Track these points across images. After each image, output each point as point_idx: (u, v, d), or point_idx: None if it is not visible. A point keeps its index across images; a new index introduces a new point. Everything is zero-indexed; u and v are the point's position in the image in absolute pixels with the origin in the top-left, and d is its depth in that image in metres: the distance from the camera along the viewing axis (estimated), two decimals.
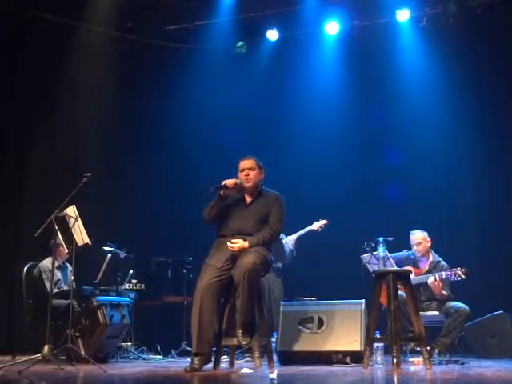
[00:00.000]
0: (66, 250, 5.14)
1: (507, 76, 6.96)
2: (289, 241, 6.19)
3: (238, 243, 4.41)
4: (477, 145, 7.08)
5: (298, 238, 6.21)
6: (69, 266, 5.84)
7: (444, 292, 5.42)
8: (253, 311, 4.39)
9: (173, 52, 7.89)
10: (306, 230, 6.26)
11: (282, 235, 6.15)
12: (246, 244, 4.42)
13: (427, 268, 5.60)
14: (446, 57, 7.19)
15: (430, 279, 5.36)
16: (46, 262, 5.68)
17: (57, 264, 5.78)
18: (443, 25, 7.14)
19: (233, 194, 4.62)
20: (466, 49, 7.10)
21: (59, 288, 5.68)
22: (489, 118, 7.08)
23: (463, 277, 5.25)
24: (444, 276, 5.34)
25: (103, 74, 7.43)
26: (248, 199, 4.66)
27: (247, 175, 4.60)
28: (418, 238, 5.64)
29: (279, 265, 6.12)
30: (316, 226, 6.24)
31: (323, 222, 6.25)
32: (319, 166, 7.34)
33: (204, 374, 4.16)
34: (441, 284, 5.35)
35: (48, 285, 5.34)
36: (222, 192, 4.54)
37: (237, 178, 4.63)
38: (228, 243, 4.43)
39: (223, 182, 4.54)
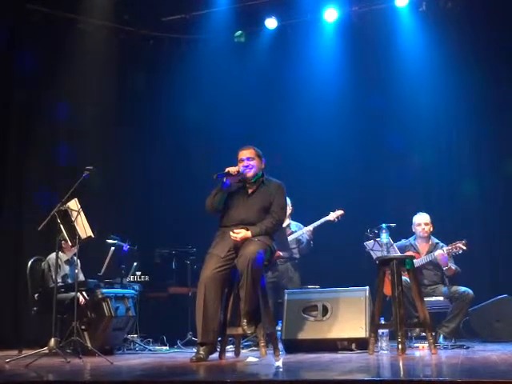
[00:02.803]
0: (70, 244, 5.15)
1: (508, 60, 6.92)
2: (305, 231, 6.18)
3: (240, 233, 4.41)
4: (478, 129, 7.05)
5: (315, 229, 6.21)
6: (78, 261, 5.85)
7: (451, 266, 5.46)
8: (257, 300, 4.40)
9: (170, 43, 7.85)
10: (323, 220, 6.24)
11: (300, 225, 6.18)
12: (248, 234, 4.42)
13: (427, 249, 5.65)
14: (445, 41, 7.14)
15: (437, 252, 5.40)
16: (54, 256, 5.68)
17: (65, 258, 5.81)
18: (442, 9, 7.09)
19: (235, 182, 4.62)
20: (466, 33, 7.05)
21: (64, 282, 5.69)
22: (490, 101, 7.04)
23: (464, 248, 5.35)
24: (446, 251, 5.39)
25: (102, 67, 7.41)
26: (250, 189, 4.65)
27: (247, 165, 4.59)
28: (426, 219, 5.70)
29: (297, 255, 6.15)
30: (332, 216, 6.22)
31: (340, 212, 6.21)
32: (320, 154, 7.32)
33: (210, 364, 4.17)
34: (447, 256, 5.40)
35: (56, 278, 5.34)
36: (225, 179, 4.53)
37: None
38: (230, 233, 4.43)
39: (226, 169, 4.53)
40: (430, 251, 5.62)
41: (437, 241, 5.71)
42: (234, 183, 4.63)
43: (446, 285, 5.60)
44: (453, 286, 5.56)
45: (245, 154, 4.63)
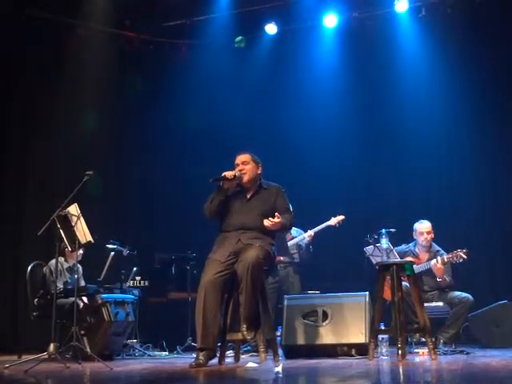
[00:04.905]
0: (70, 249, 5.15)
1: (507, 65, 6.93)
2: (306, 236, 6.19)
3: (275, 219, 4.36)
4: (478, 133, 7.06)
5: (316, 234, 6.22)
6: (80, 268, 5.85)
7: (445, 277, 5.45)
8: (257, 305, 4.40)
9: (171, 48, 7.87)
10: (324, 225, 6.26)
11: (300, 231, 6.21)
12: (281, 221, 4.40)
13: (428, 257, 5.64)
14: (445, 47, 7.16)
15: (433, 261, 5.40)
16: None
17: (67, 266, 5.81)
18: (442, 15, 7.12)
19: (233, 186, 4.63)
20: (465, 38, 7.08)
21: (65, 288, 5.68)
22: (489, 105, 7.05)
23: (464, 257, 5.32)
24: (446, 259, 5.37)
25: (102, 72, 7.42)
26: (248, 193, 4.67)
27: (241, 169, 4.61)
28: (428, 227, 5.69)
29: (298, 259, 6.17)
30: (333, 221, 6.26)
31: (341, 217, 6.25)
32: (320, 160, 7.32)
33: (209, 369, 4.17)
34: (443, 267, 5.38)
35: (57, 283, 5.34)
36: (221, 183, 4.55)
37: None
38: (265, 221, 4.39)
39: (223, 174, 4.55)
40: (430, 259, 5.59)
41: (438, 248, 5.68)
42: (232, 188, 4.64)
43: (445, 291, 5.59)
44: (453, 291, 5.55)
45: (240, 158, 4.67)
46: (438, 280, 5.47)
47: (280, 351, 4.84)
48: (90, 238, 4.85)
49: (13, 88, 7.40)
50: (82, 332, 5.16)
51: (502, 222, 6.85)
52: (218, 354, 4.49)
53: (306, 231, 6.28)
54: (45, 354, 4.52)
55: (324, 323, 5.10)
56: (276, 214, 4.43)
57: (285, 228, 4.66)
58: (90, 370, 4.33)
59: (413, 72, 7.26)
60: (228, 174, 4.55)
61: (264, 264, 4.43)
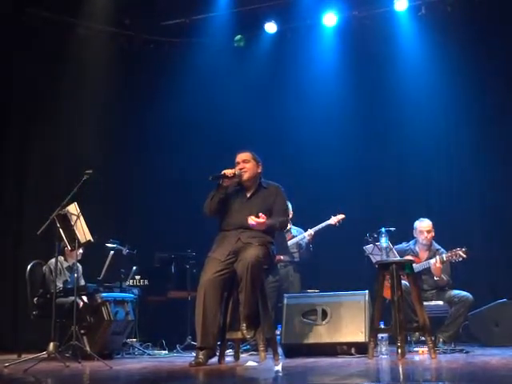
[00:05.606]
0: (69, 248, 5.15)
1: (507, 63, 6.93)
2: (306, 235, 6.19)
3: (258, 219, 4.37)
4: (478, 132, 7.06)
5: (316, 233, 6.22)
6: (80, 267, 5.85)
7: (443, 276, 5.46)
8: (256, 304, 4.40)
9: (171, 47, 7.87)
10: (324, 224, 6.26)
11: (301, 230, 6.20)
12: (266, 222, 4.40)
13: (428, 255, 5.64)
14: (444, 45, 7.16)
15: (432, 260, 5.41)
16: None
17: (66, 265, 5.81)
18: (442, 13, 7.12)
19: (232, 184, 4.62)
20: (465, 37, 7.08)
21: (65, 287, 5.68)
22: (490, 104, 7.05)
23: (464, 256, 5.32)
24: (445, 258, 5.37)
25: (102, 71, 7.43)
26: (248, 192, 4.67)
27: (242, 168, 4.61)
28: (429, 225, 5.68)
29: (298, 258, 6.18)
30: (334, 220, 6.25)
31: (341, 216, 6.25)
32: (320, 159, 7.32)
33: (209, 368, 4.17)
34: (441, 266, 5.38)
35: (56, 282, 5.35)
36: (221, 181, 4.54)
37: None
38: (249, 218, 4.38)
39: (222, 172, 4.55)
40: (430, 257, 5.60)
41: (438, 247, 5.68)
42: (231, 186, 4.64)
43: (445, 290, 5.59)
44: (452, 290, 5.55)
45: (241, 156, 4.67)
46: (436, 279, 5.47)
47: (280, 350, 4.84)
48: (89, 237, 4.85)
49: (13, 88, 7.40)
50: (82, 331, 5.17)
51: (502, 221, 6.85)
52: (217, 353, 4.49)
53: (306, 230, 6.28)
54: (44, 353, 4.52)
55: (324, 322, 5.10)
56: (260, 214, 4.40)
57: (273, 229, 4.57)
58: (90, 369, 4.33)
59: (412, 71, 7.25)
60: (228, 171, 4.55)
61: (264, 263, 4.43)
